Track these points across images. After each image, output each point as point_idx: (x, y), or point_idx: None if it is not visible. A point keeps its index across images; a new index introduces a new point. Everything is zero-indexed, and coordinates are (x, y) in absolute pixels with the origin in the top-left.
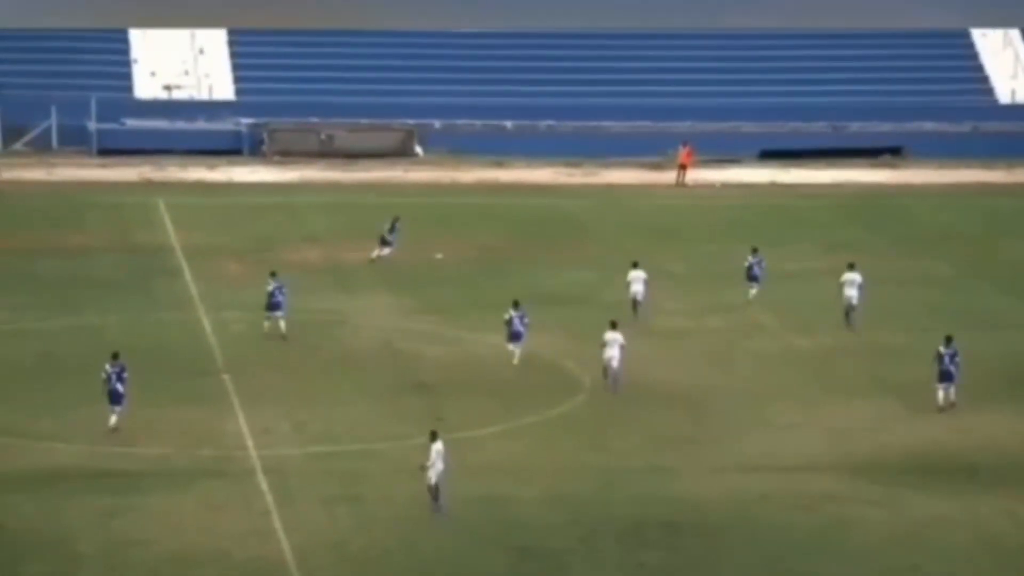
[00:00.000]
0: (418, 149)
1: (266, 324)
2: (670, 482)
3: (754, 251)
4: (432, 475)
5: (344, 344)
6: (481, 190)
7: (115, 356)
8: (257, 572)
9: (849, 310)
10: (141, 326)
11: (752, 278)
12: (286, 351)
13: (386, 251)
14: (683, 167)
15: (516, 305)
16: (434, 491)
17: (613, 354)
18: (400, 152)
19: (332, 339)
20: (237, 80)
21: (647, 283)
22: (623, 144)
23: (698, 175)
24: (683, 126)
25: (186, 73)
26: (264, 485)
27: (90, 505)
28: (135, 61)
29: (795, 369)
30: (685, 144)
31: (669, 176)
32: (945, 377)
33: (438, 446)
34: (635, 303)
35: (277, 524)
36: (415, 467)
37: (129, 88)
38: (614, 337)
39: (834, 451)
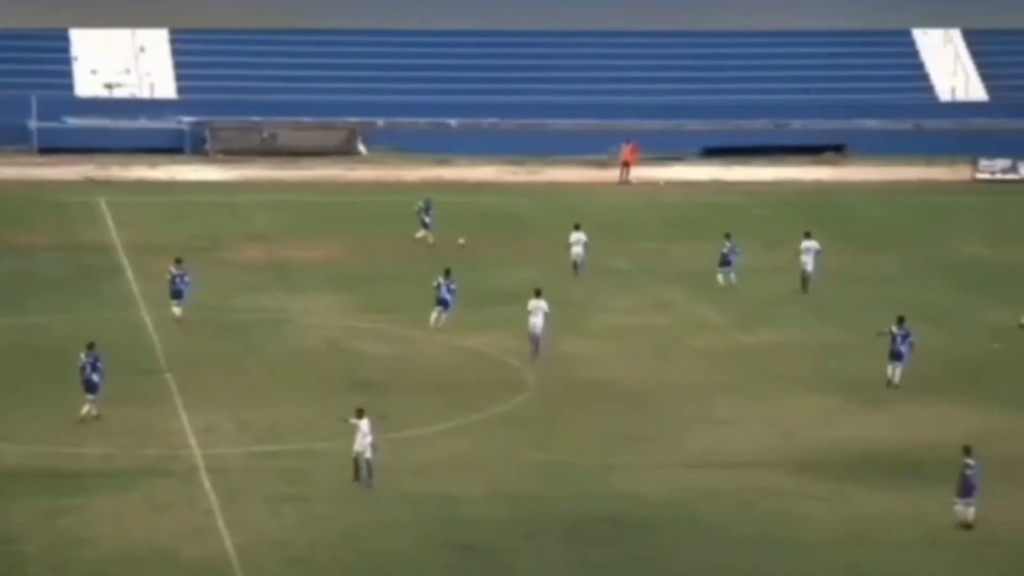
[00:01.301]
0: (361, 147)
1: (175, 311)
2: (615, 479)
3: (727, 236)
4: (358, 448)
5: (288, 343)
6: (425, 188)
7: (90, 346)
8: (201, 571)
9: (805, 277)
10: (84, 324)
11: (726, 263)
12: (230, 350)
13: (423, 233)
14: (626, 165)
15: (447, 273)
16: (362, 464)
17: (537, 321)
18: (343, 150)
19: (276, 338)
20: (179, 78)
21: (587, 246)
22: (567, 142)
23: (642, 173)
24: (626, 124)
25: (127, 71)
26: (208, 484)
27: (34, 505)
28: (76, 59)
29: (740, 365)
30: (628, 142)
31: (613, 174)
32: (895, 357)
33: (364, 422)
34: (575, 264)
35: (221, 523)
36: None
37: (70, 86)
38: (538, 305)
39: (779, 447)
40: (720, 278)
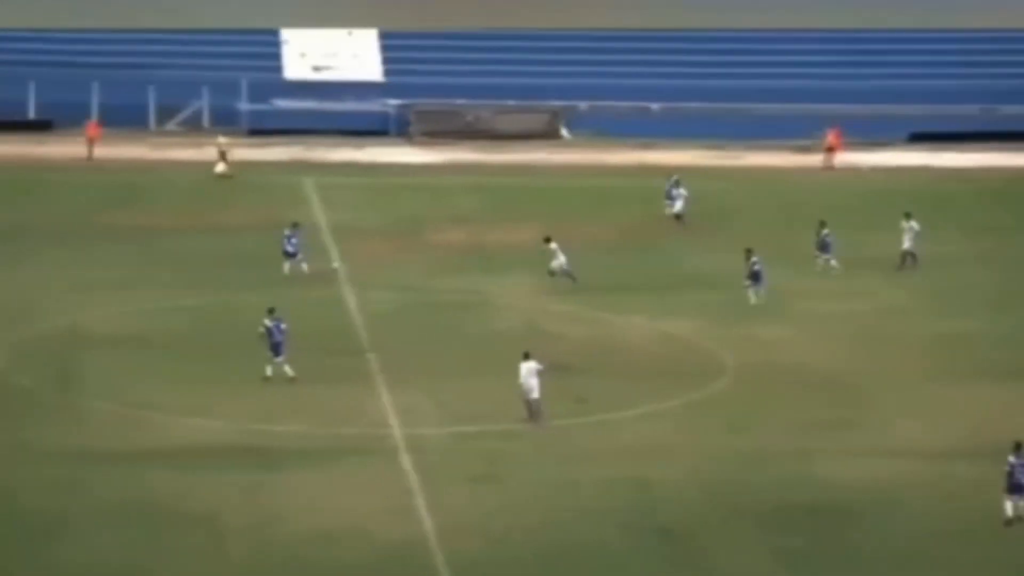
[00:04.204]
0: (564, 131)
1: None
2: (813, 466)
3: (823, 224)
4: (523, 389)
5: (488, 324)
6: (626, 172)
7: (271, 311)
8: (399, 551)
9: (905, 255)
10: (286, 305)
11: (824, 248)
12: (431, 331)
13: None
14: (831, 150)
15: (749, 253)
16: (531, 405)
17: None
18: (546, 134)
19: (476, 319)
20: (385, 61)
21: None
22: (770, 127)
23: (846, 158)
24: (831, 109)
25: (335, 54)
26: (407, 464)
27: (235, 481)
28: (285, 42)
29: (941, 353)
30: (832, 127)
31: (816, 159)
32: None
33: (524, 365)
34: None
35: (420, 503)
36: (557, 447)
37: (279, 69)
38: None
39: (979, 438)
40: (819, 262)
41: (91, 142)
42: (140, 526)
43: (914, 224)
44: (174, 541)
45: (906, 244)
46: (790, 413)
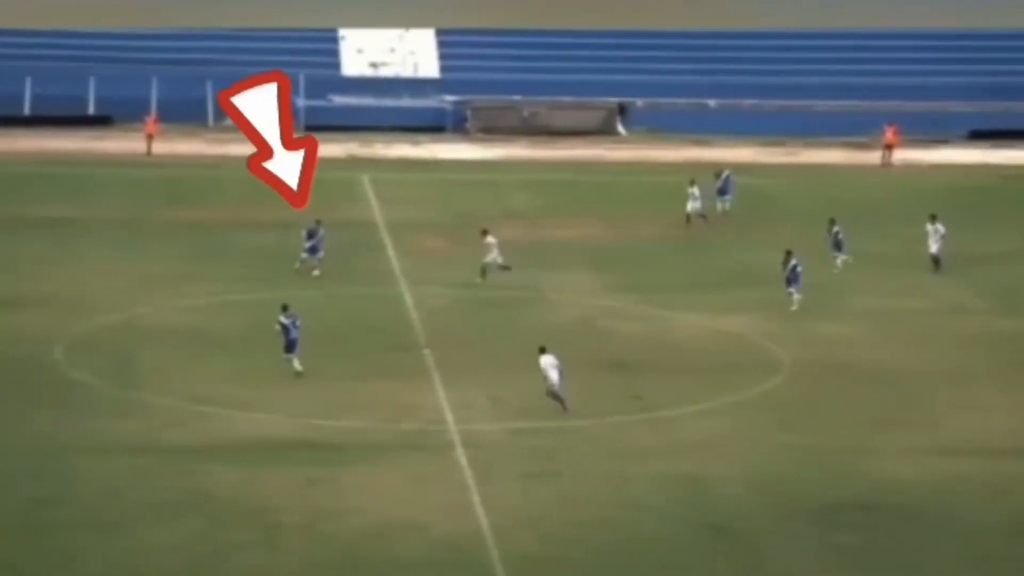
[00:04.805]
0: (620, 127)
1: None
2: (868, 463)
3: (833, 221)
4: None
5: (543, 320)
6: (683, 169)
7: (285, 308)
8: (455, 547)
9: (934, 259)
10: (343, 300)
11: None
12: (486, 327)
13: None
14: (889, 147)
15: (789, 254)
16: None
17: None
18: (602, 130)
19: (532, 315)
20: (442, 57)
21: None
22: (828, 123)
23: (905, 155)
24: (889, 105)
25: (392, 51)
26: (463, 460)
27: (292, 475)
28: (343, 39)
29: (1000, 351)
30: (891, 124)
31: (874, 156)
32: None
33: (542, 359)
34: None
35: (476, 499)
36: (611, 444)
37: (336, 65)
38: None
39: None
40: (837, 262)
41: (150, 137)
42: (197, 520)
43: (939, 227)
44: (231, 535)
45: (933, 248)
46: (845, 410)
